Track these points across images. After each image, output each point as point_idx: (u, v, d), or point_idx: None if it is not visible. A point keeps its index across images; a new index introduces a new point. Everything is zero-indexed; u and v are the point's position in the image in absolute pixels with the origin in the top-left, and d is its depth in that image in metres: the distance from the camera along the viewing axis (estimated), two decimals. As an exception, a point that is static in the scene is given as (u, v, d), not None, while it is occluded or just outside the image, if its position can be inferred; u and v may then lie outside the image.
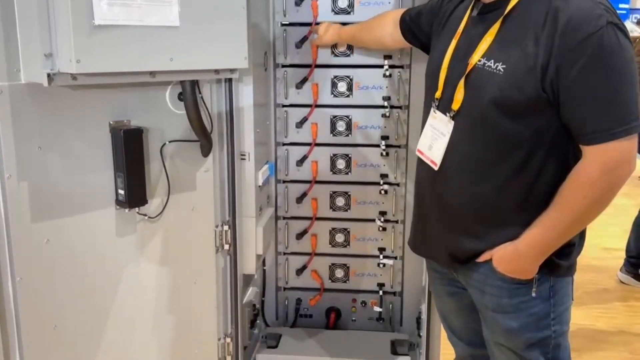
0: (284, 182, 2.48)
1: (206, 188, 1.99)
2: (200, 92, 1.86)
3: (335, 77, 2.35)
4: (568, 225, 1.41)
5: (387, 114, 2.34)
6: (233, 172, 2.05)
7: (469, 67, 1.42)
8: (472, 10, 1.53)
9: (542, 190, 1.43)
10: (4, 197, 1.50)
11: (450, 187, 1.53)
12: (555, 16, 1.29)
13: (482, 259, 1.51)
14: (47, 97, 1.53)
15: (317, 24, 2.27)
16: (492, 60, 1.38)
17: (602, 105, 1.30)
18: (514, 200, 1.45)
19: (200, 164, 1.97)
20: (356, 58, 2.32)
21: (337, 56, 2.32)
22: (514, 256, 1.45)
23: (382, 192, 2.42)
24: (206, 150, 1.94)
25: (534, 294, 1.49)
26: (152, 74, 1.55)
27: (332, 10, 2.27)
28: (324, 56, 2.32)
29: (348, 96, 2.36)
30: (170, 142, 1.85)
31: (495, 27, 1.41)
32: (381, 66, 2.31)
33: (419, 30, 1.88)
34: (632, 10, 13.78)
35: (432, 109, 1.56)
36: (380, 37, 2.09)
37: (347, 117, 2.38)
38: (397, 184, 2.43)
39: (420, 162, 1.63)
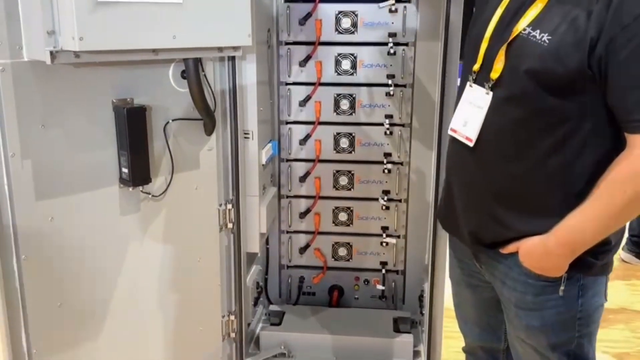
0: (287, 160, 2.47)
1: (209, 167, 1.99)
2: (203, 70, 1.85)
3: (339, 54, 2.33)
4: (604, 222, 1.29)
5: (392, 93, 2.32)
6: (236, 150, 2.04)
7: (513, 35, 1.32)
8: None
9: (579, 177, 1.32)
10: (7, 176, 1.50)
11: (483, 164, 1.43)
12: None
13: (507, 250, 1.42)
14: (50, 75, 1.52)
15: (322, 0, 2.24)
16: (538, 30, 1.28)
17: None
18: (547, 185, 1.35)
19: (203, 143, 1.96)
20: (360, 35, 2.29)
21: (341, 33, 2.30)
22: (542, 252, 1.35)
23: (386, 171, 2.41)
24: (209, 128, 1.93)
25: (561, 293, 1.38)
26: (155, 51, 1.53)
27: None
28: (328, 34, 2.30)
29: (352, 74, 2.34)
30: (173, 120, 1.84)
31: None
32: (385, 44, 2.28)
33: None
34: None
35: (468, 83, 1.46)
36: None
37: (351, 95, 2.37)
38: (401, 163, 2.42)
39: (452, 141, 1.53)
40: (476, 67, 1.43)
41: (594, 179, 1.29)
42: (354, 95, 2.37)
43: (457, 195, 1.54)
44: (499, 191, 1.41)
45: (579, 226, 1.30)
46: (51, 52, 1.39)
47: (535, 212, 1.37)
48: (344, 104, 2.38)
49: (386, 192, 2.44)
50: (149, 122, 1.76)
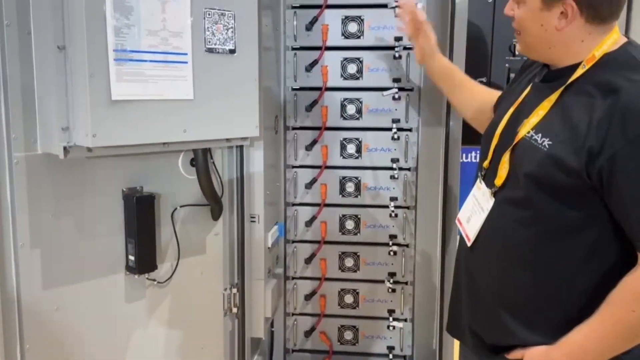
0: (293, 242, 2.48)
1: (216, 251, 2.00)
2: (212, 158, 1.90)
3: (344, 139, 2.38)
4: (612, 340, 1.22)
5: (396, 176, 2.35)
6: (242, 234, 2.06)
7: (517, 139, 1.33)
8: (536, 76, 1.43)
9: (585, 288, 1.27)
10: (16, 266, 1.52)
11: (481, 267, 1.42)
12: (615, 97, 1.18)
13: (512, 356, 1.36)
14: (61, 167, 1.56)
15: (327, 89, 2.32)
16: (540, 134, 1.28)
17: None
18: (553, 295, 1.30)
19: (210, 228, 1.98)
20: (365, 121, 2.35)
21: (346, 119, 2.36)
22: None
23: (391, 253, 2.41)
24: (216, 214, 1.96)
25: None
26: (165, 144, 1.58)
27: (342, 76, 2.32)
28: (334, 119, 2.36)
29: (357, 158, 2.39)
30: (181, 206, 1.87)
31: (552, 99, 1.31)
32: (390, 129, 2.34)
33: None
34: None
35: (478, 179, 1.47)
36: (470, 109, 1.88)
37: (357, 178, 2.40)
38: (406, 245, 2.42)
39: (460, 233, 1.53)
40: (486, 163, 1.45)
41: (601, 291, 1.23)
42: (359, 178, 2.40)
43: (463, 296, 1.52)
44: (502, 295, 1.38)
45: (584, 343, 1.25)
46: (64, 148, 1.44)
47: (539, 322, 1.33)
48: (350, 187, 2.41)
49: (392, 275, 2.43)
50: (157, 209, 1.79)
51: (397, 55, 2.28)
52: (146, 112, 1.48)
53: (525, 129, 1.33)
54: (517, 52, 1.46)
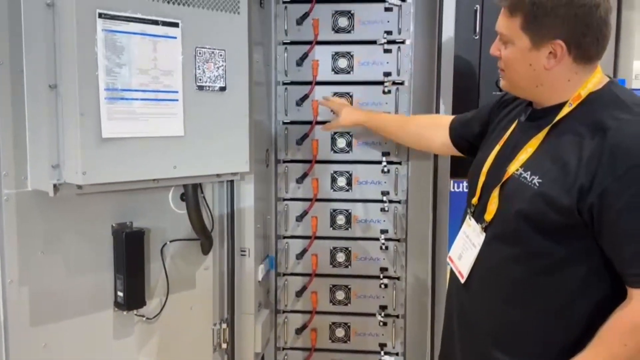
0: (284, 275, 2.47)
1: (205, 286, 2.00)
2: (202, 192, 1.91)
3: (335, 172, 2.40)
4: None
5: (386, 208, 2.37)
6: (233, 268, 2.06)
7: (506, 176, 1.34)
8: (521, 115, 1.45)
9: (576, 323, 1.27)
10: (4, 303, 1.52)
11: (475, 304, 1.42)
12: (603, 135, 1.19)
13: None
14: (51, 203, 1.56)
15: (318, 122, 2.35)
16: (529, 172, 1.29)
17: None
18: (545, 332, 1.30)
19: (200, 262, 1.98)
20: (355, 154, 2.38)
21: (337, 153, 2.38)
22: None
23: (383, 285, 2.41)
24: (206, 248, 1.96)
25: None
26: (155, 180, 1.59)
27: (332, 110, 2.35)
28: (324, 152, 2.38)
29: (348, 190, 2.40)
30: (171, 241, 1.88)
31: (539, 137, 1.32)
32: (380, 162, 2.36)
33: (471, 134, 1.76)
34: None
35: (467, 216, 1.48)
36: (429, 137, 1.99)
37: (347, 210, 2.41)
38: (397, 278, 2.42)
39: (451, 269, 1.53)
40: (475, 200, 1.46)
41: (593, 325, 1.24)
42: (350, 211, 2.41)
43: (455, 332, 1.51)
44: (495, 333, 1.37)
45: None
46: (54, 185, 1.44)
47: (530, 357, 1.33)
48: (340, 219, 2.42)
49: (383, 308, 2.43)
50: (146, 245, 1.79)
51: (386, 90, 2.32)
52: (136, 150, 1.49)
53: (514, 167, 1.34)
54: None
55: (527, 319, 1.33)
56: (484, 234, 1.39)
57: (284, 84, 2.38)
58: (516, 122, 1.46)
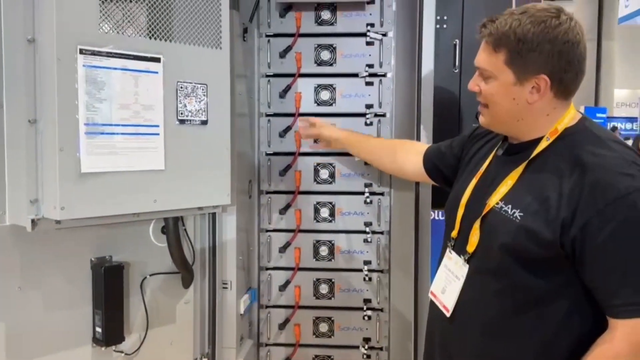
0: (267, 307, 2.45)
1: (186, 320, 1.97)
2: (183, 225, 1.90)
3: (317, 203, 2.40)
4: None
5: (369, 239, 2.37)
6: (214, 302, 2.04)
7: (486, 209, 1.36)
8: (497, 149, 1.47)
9: (560, 357, 1.28)
10: (-22, 340, 1.48)
11: (460, 337, 1.42)
12: (583, 171, 1.22)
13: None
14: (29, 238, 1.54)
15: (301, 154, 2.36)
16: (510, 206, 1.31)
17: (636, 277, 1.19)
18: None
19: (180, 296, 1.96)
20: (337, 185, 2.38)
21: (320, 184, 2.39)
22: None
23: (366, 317, 2.39)
24: (187, 282, 1.94)
25: None
26: (136, 214, 1.58)
27: (315, 141, 2.36)
28: (307, 183, 2.39)
29: (331, 222, 2.40)
30: (151, 275, 1.86)
31: (518, 170, 1.34)
32: (362, 193, 2.37)
33: (444, 165, 1.80)
34: (609, 119, 14.39)
35: (447, 249, 1.49)
36: (403, 162, 2.02)
37: (330, 241, 2.41)
38: (381, 309, 2.41)
39: (432, 304, 1.53)
40: (454, 233, 1.47)
41: (578, 356, 1.25)
42: (333, 242, 2.41)
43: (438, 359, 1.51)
44: None
45: None
46: (32, 220, 1.43)
47: None
48: (323, 250, 2.41)
49: (367, 340, 2.41)
50: (126, 279, 1.77)
51: (368, 121, 2.34)
52: (116, 184, 1.49)
53: (494, 200, 1.35)
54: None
55: (510, 352, 1.33)
56: (467, 266, 1.39)
57: (267, 115, 2.39)
58: (492, 155, 1.48)
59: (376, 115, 2.34)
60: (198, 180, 1.67)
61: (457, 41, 2.28)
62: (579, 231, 1.20)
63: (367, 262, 2.39)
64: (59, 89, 1.37)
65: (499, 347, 1.35)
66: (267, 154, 2.41)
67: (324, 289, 2.42)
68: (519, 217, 1.28)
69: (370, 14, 2.31)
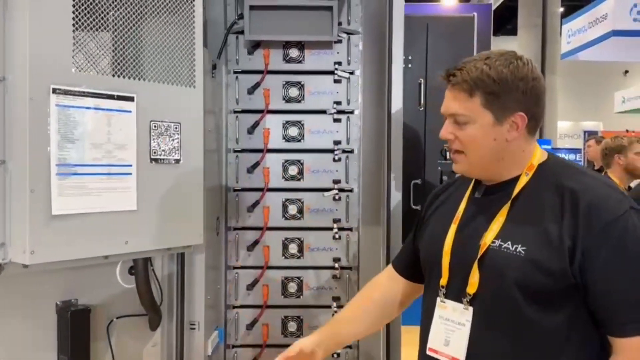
0: (234, 347, 2.40)
1: (153, 364, 1.91)
2: (152, 265, 1.85)
3: (286, 239, 2.39)
4: None
5: (338, 275, 2.37)
6: (182, 344, 1.98)
7: (482, 249, 1.34)
8: (472, 192, 1.46)
9: None
10: None
11: None
12: (575, 199, 1.26)
13: None
14: (-7, 282, 1.48)
15: (270, 189, 2.35)
16: (509, 242, 1.31)
17: (635, 294, 1.22)
18: None
19: (147, 339, 1.90)
20: (306, 221, 2.38)
21: (288, 219, 2.38)
22: None
23: (335, 355, 2.38)
24: (155, 324, 1.89)
25: None
26: (106, 257, 1.53)
27: (283, 177, 2.37)
28: (275, 219, 2.38)
29: (299, 257, 2.39)
30: (117, 318, 1.79)
31: (505, 208, 1.35)
32: (331, 229, 2.38)
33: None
34: (554, 150, 14.98)
35: (438, 299, 1.42)
36: (382, 315, 1.67)
37: (299, 278, 2.40)
38: (350, 346, 2.40)
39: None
40: (443, 281, 1.43)
41: None
42: (301, 278, 2.40)
43: None
44: None
45: None
46: (-1, 265, 1.37)
47: None
48: (292, 287, 2.40)
49: (338, 377, 2.39)
50: (92, 322, 1.70)
51: (336, 157, 2.36)
52: (87, 226, 1.44)
53: (489, 238, 1.34)
54: (453, 170, 1.48)
55: None
56: (471, 308, 1.36)
57: (235, 151, 2.38)
58: (466, 200, 1.47)
59: (344, 151, 2.37)
60: (170, 219, 1.64)
61: (422, 80, 2.34)
62: (581, 256, 1.24)
63: (335, 299, 2.38)
64: (31, 129, 1.33)
65: None
66: (234, 190, 2.39)
67: (292, 327, 2.39)
68: (522, 252, 1.29)
69: (338, 53, 2.36)
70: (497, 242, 1.33)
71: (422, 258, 1.53)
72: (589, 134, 10.15)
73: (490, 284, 1.33)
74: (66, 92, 1.39)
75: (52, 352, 1.63)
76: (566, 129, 19.80)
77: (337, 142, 2.36)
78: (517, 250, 1.30)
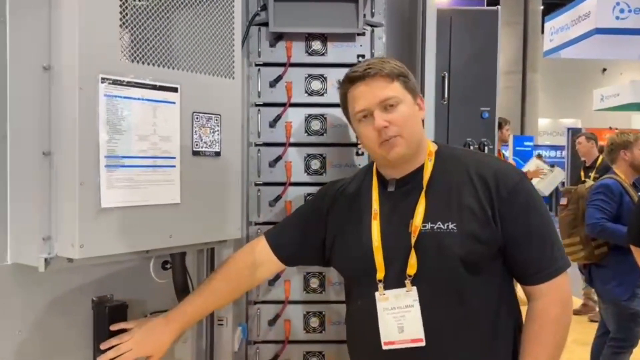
0: (255, 342, 2.37)
1: (185, 360, 1.88)
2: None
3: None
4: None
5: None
6: (212, 339, 1.96)
7: (415, 234, 1.43)
8: (380, 189, 1.55)
9: (514, 340, 1.50)
10: (-24, 391, 1.34)
11: (447, 355, 1.44)
12: (480, 173, 1.46)
13: None
14: (31, 278, 1.43)
15: (292, 184, 2.33)
16: (440, 222, 1.43)
17: (548, 243, 1.45)
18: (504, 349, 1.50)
19: (179, 335, 1.86)
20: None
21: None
22: None
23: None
24: (187, 319, 1.84)
25: None
26: (147, 251, 1.50)
27: (305, 172, 2.34)
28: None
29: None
30: (151, 313, 1.75)
31: (422, 195, 1.47)
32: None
33: (311, 237, 1.68)
34: (536, 147, 15.20)
35: (377, 294, 1.47)
36: (245, 281, 1.74)
37: (321, 273, 2.38)
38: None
39: (389, 353, 1.46)
40: (380, 275, 1.47)
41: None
42: (323, 273, 2.38)
43: None
44: None
45: None
46: (45, 259, 1.32)
47: None
48: (314, 282, 2.37)
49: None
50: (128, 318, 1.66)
51: (359, 152, 2.35)
52: (135, 219, 1.41)
53: (418, 222, 1.45)
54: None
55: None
56: (414, 287, 1.43)
57: (257, 145, 2.35)
58: (376, 196, 1.55)
59: (358, 151, 2.36)
60: (211, 213, 1.61)
61: (445, 73, 2.33)
62: (500, 219, 1.42)
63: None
64: (80, 120, 1.29)
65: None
66: (256, 184, 2.36)
67: (314, 322, 2.37)
68: (455, 229, 1.42)
69: (361, 45, 2.34)
70: (428, 225, 1.44)
71: (345, 273, 1.65)
72: (573, 132, 10.28)
73: (430, 262, 1.43)
74: (114, 82, 1.35)
75: (88, 350, 1.59)
76: (546, 126, 20.12)
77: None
78: (450, 227, 1.43)
